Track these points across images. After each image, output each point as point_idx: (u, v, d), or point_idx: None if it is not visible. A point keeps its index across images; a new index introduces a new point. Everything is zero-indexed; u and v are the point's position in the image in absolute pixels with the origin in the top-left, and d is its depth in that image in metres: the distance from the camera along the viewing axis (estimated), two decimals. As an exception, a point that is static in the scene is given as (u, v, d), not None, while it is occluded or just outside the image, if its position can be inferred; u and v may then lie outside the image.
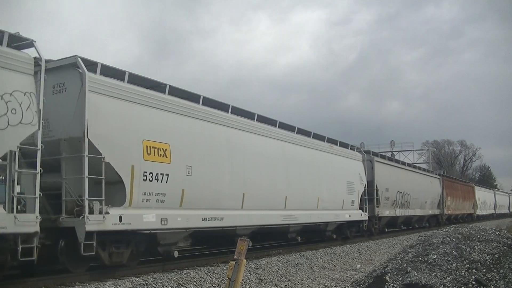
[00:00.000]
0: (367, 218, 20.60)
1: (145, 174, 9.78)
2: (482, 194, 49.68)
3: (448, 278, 6.80)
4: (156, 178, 10.04)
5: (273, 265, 12.40)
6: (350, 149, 20.51)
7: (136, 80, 10.41)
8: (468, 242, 7.85)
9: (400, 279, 6.99)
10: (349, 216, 18.93)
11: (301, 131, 16.58)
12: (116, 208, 9.23)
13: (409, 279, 6.89)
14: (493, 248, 7.72)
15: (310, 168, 16.26)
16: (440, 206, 33.95)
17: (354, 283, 8.11)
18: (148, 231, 9.90)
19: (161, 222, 10.05)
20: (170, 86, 11.09)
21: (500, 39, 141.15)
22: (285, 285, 10.59)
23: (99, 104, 9.12)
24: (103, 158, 8.96)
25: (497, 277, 6.90)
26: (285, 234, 15.40)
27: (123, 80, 9.98)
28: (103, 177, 8.85)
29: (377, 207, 21.85)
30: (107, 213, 8.91)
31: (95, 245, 8.62)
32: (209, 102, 12.34)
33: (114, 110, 9.50)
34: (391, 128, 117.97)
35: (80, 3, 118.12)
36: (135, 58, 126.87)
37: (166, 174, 10.31)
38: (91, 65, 9.30)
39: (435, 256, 7.37)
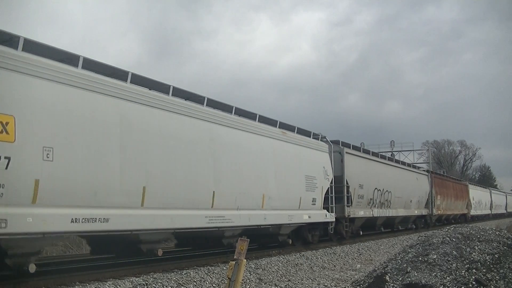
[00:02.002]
0: (333, 220, 17.36)
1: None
2: (476, 193, 46.32)
3: (448, 278, 6.77)
4: (-18, 161, 7.08)
5: (273, 265, 12.39)
6: (313, 137, 17.11)
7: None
8: (468, 242, 7.78)
9: (400, 279, 7.00)
10: (309, 217, 15.71)
11: (242, 113, 13.54)
12: None
13: (409, 279, 6.89)
14: (493, 248, 7.66)
15: (253, 158, 13.16)
16: (428, 206, 30.64)
17: (354, 283, 8.10)
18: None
19: (-6, 224, 7.10)
20: (25, 39, 8.11)
21: (500, 39, 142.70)
22: (285, 285, 10.51)
23: None
24: None
25: (497, 277, 6.85)
26: (218, 239, 12.41)
27: None
28: None
29: (348, 206, 18.49)
30: None
31: None
32: (95, 67, 9.35)
33: None
34: (391, 128, 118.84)
35: (81, 4, 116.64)
36: (136, 59, 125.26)
37: (5, 158, 7.35)
38: None
39: (435, 256, 7.34)
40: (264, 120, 14.33)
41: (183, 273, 10.12)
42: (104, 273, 9.43)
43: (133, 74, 9.91)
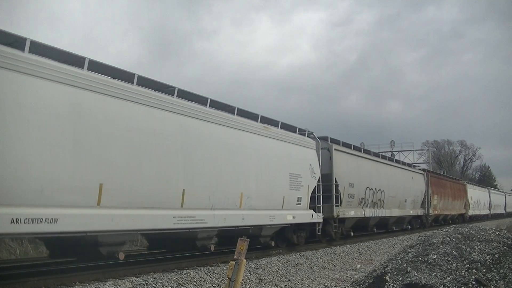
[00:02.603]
0: (321, 220, 16.34)
1: None
2: (475, 193, 44.61)
3: (448, 278, 6.76)
4: None
5: (273, 265, 12.38)
6: (299, 133, 16.01)
7: None
8: (468, 242, 7.77)
9: (400, 279, 6.99)
10: (293, 217, 14.70)
11: (219, 106, 12.61)
12: None
13: (409, 279, 6.89)
14: (493, 248, 7.65)
15: (230, 154, 12.22)
16: (424, 206, 29.36)
17: (354, 283, 8.07)
18: None
19: None
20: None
21: (501, 40, 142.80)
22: (285, 285, 10.52)
23: None
24: None
25: (497, 277, 6.84)
26: (191, 241, 11.51)
27: None
28: None
29: (337, 206, 17.40)
30: None
31: None
32: (44, 52, 8.43)
33: None
34: (391, 129, 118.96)
35: (82, 4, 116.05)
36: (137, 59, 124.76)
37: None
38: None
39: (435, 256, 7.34)
40: (244, 113, 13.32)
41: (183, 273, 10.11)
42: (104, 273, 9.34)
43: (91, 61, 9.00)
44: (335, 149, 18.07)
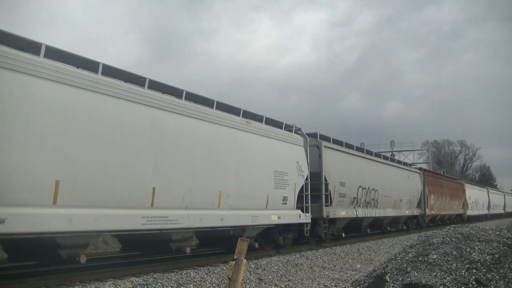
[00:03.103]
0: (309, 221, 15.51)
1: None
2: (473, 193, 43.47)
3: (448, 278, 6.75)
4: None
5: (273, 265, 12.34)
6: (286, 129, 15.16)
7: None
8: (468, 242, 7.80)
9: (400, 279, 6.99)
10: (279, 218, 13.85)
11: (197, 99, 11.81)
12: None
13: (409, 279, 6.89)
14: (493, 248, 7.63)
15: (208, 150, 11.41)
16: (421, 206, 28.36)
17: (354, 283, 8.11)
18: None
19: None
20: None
21: (501, 40, 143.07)
22: (285, 285, 10.53)
23: None
24: None
25: (497, 277, 6.84)
26: (164, 243, 10.77)
27: None
28: None
29: (327, 206, 16.54)
30: None
31: None
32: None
33: None
34: (391, 129, 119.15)
35: (82, 4, 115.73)
36: (137, 59, 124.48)
37: None
38: None
39: (435, 256, 7.34)
40: (224, 107, 12.49)
41: (183, 273, 10.12)
42: (104, 273, 9.33)
43: (48, 47, 8.27)
44: (324, 146, 17.16)
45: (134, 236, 9.89)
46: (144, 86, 10.15)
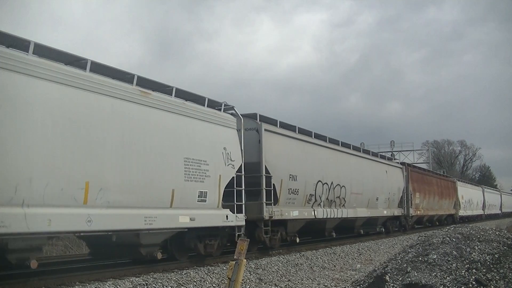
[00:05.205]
0: (242, 223, 12.27)
1: None
2: (467, 191, 40.44)
3: (448, 278, 6.76)
4: None
5: (273, 265, 12.18)
6: (208, 106, 11.79)
7: None
8: (468, 242, 7.80)
9: (400, 279, 7.01)
10: (192, 219, 10.67)
11: (58, 56, 8.75)
12: None
13: (409, 279, 6.89)
14: (493, 248, 7.65)
15: (71, 124, 8.32)
16: (403, 205, 24.98)
17: (354, 283, 8.10)
18: None
19: None
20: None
21: (501, 41, 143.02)
22: (285, 285, 10.50)
23: None
24: None
25: (497, 277, 6.84)
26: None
27: None
28: None
29: (269, 204, 13.24)
30: None
31: None
32: None
33: None
34: (391, 129, 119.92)
35: (84, 5, 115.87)
36: (138, 60, 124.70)
37: None
38: None
39: (435, 256, 7.34)
40: (106, 71, 9.48)
41: (183, 273, 10.00)
42: (104, 273, 9.21)
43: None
44: (265, 130, 13.57)
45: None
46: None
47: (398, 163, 27.18)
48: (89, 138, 8.64)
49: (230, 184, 12.09)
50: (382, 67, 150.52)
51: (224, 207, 11.91)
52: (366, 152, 22.46)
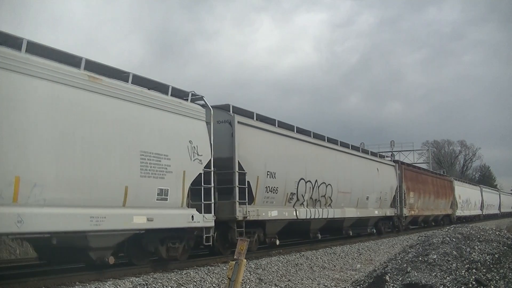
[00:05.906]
0: (211, 224, 11.30)
1: None
2: (464, 191, 39.27)
3: (448, 278, 6.77)
4: None
5: (273, 265, 12.22)
6: (173, 95, 10.89)
7: None
8: (468, 242, 7.82)
9: (400, 279, 7.01)
10: (149, 220, 9.64)
11: None
12: None
13: (409, 279, 6.89)
14: (493, 248, 7.68)
15: None
16: (396, 205, 23.94)
17: (354, 283, 8.11)
18: None
19: None
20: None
21: (501, 41, 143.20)
22: (285, 285, 10.52)
23: None
24: None
25: (497, 277, 6.86)
26: None
27: None
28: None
29: (243, 203, 12.34)
30: None
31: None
32: None
33: None
34: (391, 129, 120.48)
35: (85, 5, 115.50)
36: (139, 60, 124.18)
37: None
38: None
39: (435, 256, 7.36)
40: (45, 52, 8.42)
41: (183, 273, 10.04)
42: (104, 273, 9.17)
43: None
44: (239, 122, 12.54)
45: None
46: None
47: (390, 160, 26.20)
48: (22, 126, 7.60)
49: (198, 182, 11.12)
50: (382, 67, 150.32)
51: (192, 206, 11.00)
52: (355, 148, 21.14)
